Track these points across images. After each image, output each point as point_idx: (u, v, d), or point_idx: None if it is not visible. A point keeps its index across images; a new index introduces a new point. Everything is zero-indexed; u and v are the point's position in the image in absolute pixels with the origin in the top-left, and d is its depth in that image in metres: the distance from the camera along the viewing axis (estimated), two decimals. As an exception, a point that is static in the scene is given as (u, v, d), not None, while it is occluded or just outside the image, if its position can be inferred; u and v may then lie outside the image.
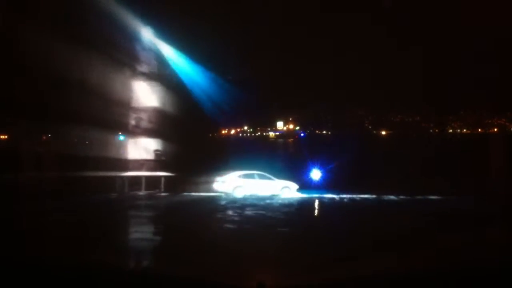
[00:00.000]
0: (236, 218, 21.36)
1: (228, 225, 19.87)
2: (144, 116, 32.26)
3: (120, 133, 33.98)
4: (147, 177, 31.38)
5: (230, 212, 23.05)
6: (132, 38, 32.03)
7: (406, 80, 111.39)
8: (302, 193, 31.27)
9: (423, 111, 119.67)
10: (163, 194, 30.63)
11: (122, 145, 32.35)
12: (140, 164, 31.49)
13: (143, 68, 32.49)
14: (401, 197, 28.66)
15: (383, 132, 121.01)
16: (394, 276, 11.13)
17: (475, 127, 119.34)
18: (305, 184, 32.72)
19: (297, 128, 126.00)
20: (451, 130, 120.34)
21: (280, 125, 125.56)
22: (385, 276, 11.08)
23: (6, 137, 77.99)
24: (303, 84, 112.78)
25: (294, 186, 31.40)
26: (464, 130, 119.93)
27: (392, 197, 28.95)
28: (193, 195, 30.20)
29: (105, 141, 31.31)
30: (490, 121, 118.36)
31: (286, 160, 47.04)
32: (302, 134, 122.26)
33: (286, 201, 28.05)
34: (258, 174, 31.14)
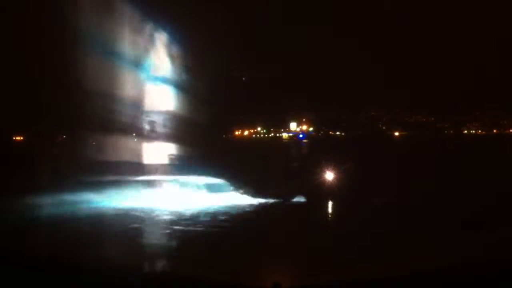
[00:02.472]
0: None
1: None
2: (158, 119, 32.42)
3: (134, 136, 34.13)
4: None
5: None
6: (147, 42, 32.23)
7: (420, 80, 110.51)
8: None
9: (437, 111, 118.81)
10: None
11: (135, 148, 32.34)
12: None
13: (157, 72, 32.66)
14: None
15: (396, 133, 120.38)
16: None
17: (491, 128, 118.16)
18: None
19: (311, 129, 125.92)
20: (466, 131, 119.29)
21: (293, 126, 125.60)
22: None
23: (21, 138, 79.30)
24: (317, 85, 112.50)
25: None
26: (480, 131, 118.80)
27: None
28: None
29: (118, 144, 31.42)
30: (505, 121, 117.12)
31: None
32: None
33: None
34: None
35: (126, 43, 30.75)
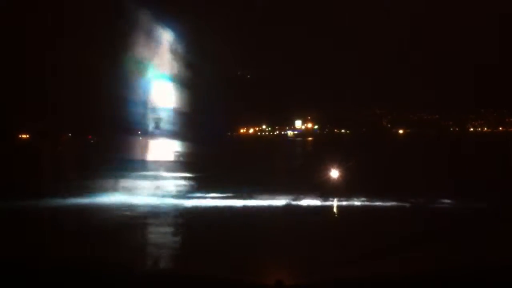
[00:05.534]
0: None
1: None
2: (163, 117, 32.49)
3: (139, 133, 34.20)
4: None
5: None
6: (151, 40, 32.27)
7: (424, 77, 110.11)
8: None
9: (442, 109, 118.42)
10: None
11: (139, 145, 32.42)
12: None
13: (162, 69, 32.71)
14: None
15: (400, 131, 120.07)
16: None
17: (496, 126, 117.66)
18: None
19: (316, 127, 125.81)
20: (471, 129, 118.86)
21: (298, 124, 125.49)
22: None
23: (27, 136, 79.58)
24: (322, 83, 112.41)
25: None
26: (485, 128, 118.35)
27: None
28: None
29: (121, 141, 31.50)
30: (511, 119, 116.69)
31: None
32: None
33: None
34: None
35: (134, 43, 30.81)
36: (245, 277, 11.27)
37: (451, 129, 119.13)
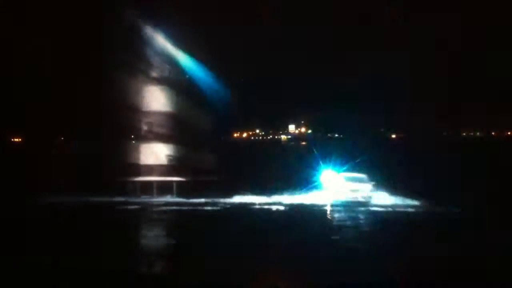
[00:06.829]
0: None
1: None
2: (155, 120, 32.27)
3: (132, 137, 33.97)
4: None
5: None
6: (144, 43, 32.13)
7: (418, 81, 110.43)
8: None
9: (436, 113, 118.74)
10: None
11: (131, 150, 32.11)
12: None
13: (155, 72, 32.54)
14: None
15: (393, 135, 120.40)
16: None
17: (489, 130, 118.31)
18: None
19: (309, 131, 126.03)
20: (464, 133, 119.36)
21: (292, 128, 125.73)
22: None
23: (20, 139, 79.22)
24: (315, 86, 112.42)
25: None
26: (478, 133, 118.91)
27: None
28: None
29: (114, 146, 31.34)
30: (504, 123, 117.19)
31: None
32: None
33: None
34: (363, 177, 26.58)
35: (125, 45, 30.64)
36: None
37: (445, 133, 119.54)
